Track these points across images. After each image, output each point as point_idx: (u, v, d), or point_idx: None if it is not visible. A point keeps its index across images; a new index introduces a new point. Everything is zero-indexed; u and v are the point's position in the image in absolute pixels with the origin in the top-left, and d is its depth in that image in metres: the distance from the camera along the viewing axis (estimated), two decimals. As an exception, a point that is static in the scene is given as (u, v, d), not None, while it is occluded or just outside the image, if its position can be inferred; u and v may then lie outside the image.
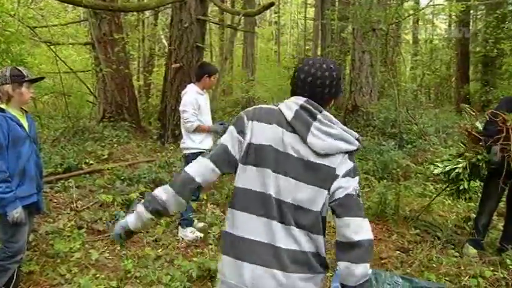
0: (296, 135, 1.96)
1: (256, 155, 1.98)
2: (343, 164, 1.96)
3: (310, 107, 1.97)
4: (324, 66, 2.01)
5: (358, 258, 1.92)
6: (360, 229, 1.93)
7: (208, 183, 2.07)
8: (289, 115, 1.98)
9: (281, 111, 2.02)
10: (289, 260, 1.92)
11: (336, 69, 2.04)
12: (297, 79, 2.05)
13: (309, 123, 1.95)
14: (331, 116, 2.01)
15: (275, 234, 1.94)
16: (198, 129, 5.09)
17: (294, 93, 2.07)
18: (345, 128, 2.01)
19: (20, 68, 3.46)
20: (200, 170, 2.05)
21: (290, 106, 2.00)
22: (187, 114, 5.03)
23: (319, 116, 1.96)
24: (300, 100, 2.00)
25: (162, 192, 2.04)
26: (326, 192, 1.94)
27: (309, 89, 2.02)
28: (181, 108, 5.13)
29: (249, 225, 1.97)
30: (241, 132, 2.03)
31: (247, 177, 1.99)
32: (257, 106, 2.13)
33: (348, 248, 1.93)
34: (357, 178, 2.00)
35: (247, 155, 1.99)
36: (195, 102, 5.07)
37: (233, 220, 2.03)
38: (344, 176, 1.95)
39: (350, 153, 2.00)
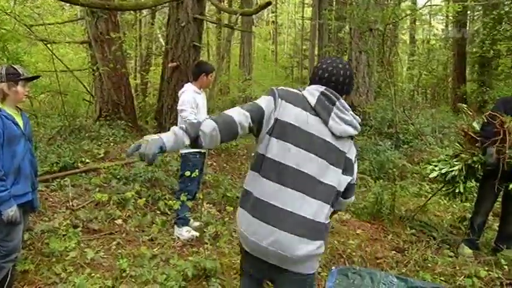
0: (319, 118, 2.28)
1: (281, 131, 2.25)
2: (351, 149, 2.40)
3: (330, 94, 2.31)
4: (340, 65, 2.37)
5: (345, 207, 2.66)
6: (351, 201, 2.60)
7: (235, 136, 2.27)
8: (312, 101, 2.29)
9: (304, 96, 2.33)
10: (292, 222, 2.22)
11: (349, 69, 2.39)
12: (315, 75, 2.41)
13: (330, 109, 2.29)
14: (345, 103, 2.36)
15: (285, 199, 2.23)
16: None
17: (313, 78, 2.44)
18: (353, 114, 2.38)
19: (15, 66, 3.45)
20: (241, 119, 2.22)
21: (313, 93, 2.32)
22: (185, 113, 5.02)
23: (337, 103, 2.31)
24: (321, 88, 2.33)
25: (206, 125, 2.16)
26: (340, 171, 2.33)
27: (325, 84, 2.35)
28: (179, 107, 5.12)
29: (264, 188, 2.26)
30: (274, 106, 2.29)
31: (270, 148, 2.26)
32: (284, 88, 2.42)
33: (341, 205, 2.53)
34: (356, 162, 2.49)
35: (274, 128, 2.26)
36: (193, 101, 5.09)
37: (252, 181, 2.33)
38: (355, 161, 2.44)
39: (353, 137, 2.42)
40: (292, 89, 2.41)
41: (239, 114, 2.21)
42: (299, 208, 2.23)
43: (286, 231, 2.21)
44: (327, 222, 2.32)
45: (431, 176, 5.34)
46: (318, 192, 2.27)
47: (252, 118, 2.22)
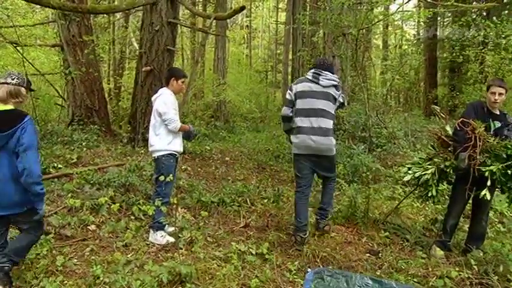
0: (314, 83, 5.05)
1: (299, 94, 5.08)
2: (336, 92, 5.08)
3: (318, 71, 5.09)
4: (324, 59, 5.31)
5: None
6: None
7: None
8: (309, 77, 5.11)
9: (305, 76, 5.17)
10: (318, 131, 4.95)
11: (328, 60, 5.36)
12: (313, 64, 5.28)
13: (318, 76, 5.05)
14: (328, 72, 5.09)
15: (312, 122, 4.98)
16: (180, 129, 5.23)
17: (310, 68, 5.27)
18: (332, 75, 5.11)
19: None
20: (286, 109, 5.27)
21: (308, 73, 5.16)
22: (171, 114, 5.09)
23: (322, 73, 5.06)
24: (313, 69, 5.14)
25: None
26: (331, 103, 5.04)
27: (315, 67, 5.16)
28: (162, 109, 5.11)
29: (302, 121, 5.03)
30: (291, 90, 5.17)
31: (298, 103, 5.07)
32: (296, 80, 5.40)
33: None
34: (342, 94, 5.21)
35: (296, 96, 5.11)
36: (174, 102, 5.21)
37: (297, 120, 5.07)
38: (339, 96, 5.12)
39: (336, 86, 5.08)
40: (300, 78, 5.44)
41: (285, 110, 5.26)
42: (320, 124, 4.97)
43: (317, 135, 4.96)
44: (333, 127, 5.11)
45: (405, 179, 5.42)
46: (326, 115, 5.01)
47: (288, 106, 5.21)
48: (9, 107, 3.60)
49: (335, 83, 5.05)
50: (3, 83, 3.60)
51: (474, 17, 15.72)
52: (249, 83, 20.93)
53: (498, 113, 4.96)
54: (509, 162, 4.61)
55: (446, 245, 5.06)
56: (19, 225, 3.86)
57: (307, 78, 5.11)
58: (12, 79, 3.62)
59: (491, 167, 4.59)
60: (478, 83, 16.40)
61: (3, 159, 3.52)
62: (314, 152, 5.08)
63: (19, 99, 3.64)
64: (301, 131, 5.05)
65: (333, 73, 5.19)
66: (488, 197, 4.63)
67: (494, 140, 4.71)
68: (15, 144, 3.46)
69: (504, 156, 4.62)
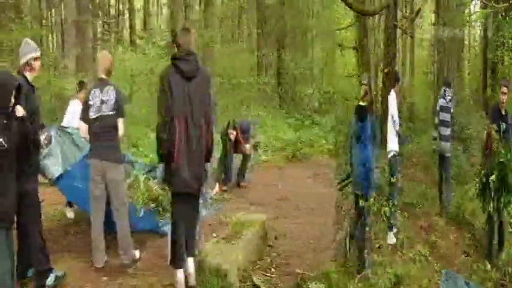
0: (443, 98, 5.16)
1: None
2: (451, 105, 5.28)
3: (445, 87, 5.32)
4: (447, 79, 7.08)
5: None
6: None
7: None
8: (442, 91, 5.40)
9: (440, 91, 5.54)
10: (444, 138, 5.37)
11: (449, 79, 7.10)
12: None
13: (445, 92, 5.17)
14: (448, 88, 5.36)
15: (441, 130, 5.25)
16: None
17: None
18: (451, 91, 5.30)
19: None
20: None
21: (443, 88, 5.35)
22: (396, 116, 4.35)
23: (447, 90, 5.21)
24: (444, 86, 5.42)
25: None
26: (450, 115, 5.36)
27: (445, 84, 5.62)
28: (393, 111, 4.39)
29: (441, 129, 5.31)
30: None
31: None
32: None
33: None
34: None
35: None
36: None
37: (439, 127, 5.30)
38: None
39: (451, 100, 5.27)
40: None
41: None
42: (446, 132, 5.31)
43: (444, 141, 5.38)
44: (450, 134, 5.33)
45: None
46: (449, 124, 5.27)
47: None
48: (364, 103, 3.19)
49: (451, 98, 5.18)
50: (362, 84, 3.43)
51: (499, 17, 12.27)
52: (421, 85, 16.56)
53: (504, 113, 4.29)
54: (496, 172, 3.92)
55: (492, 253, 4.31)
56: None
57: (440, 94, 5.37)
58: (365, 80, 3.50)
59: (493, 176, 3.93)
60: (501, 84, 13.31)
61: (357, 149, 3.19)
62: (441, 152, 5.30)
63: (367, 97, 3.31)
64: (439, 137, 5.25)
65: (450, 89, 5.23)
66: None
67: (498, 143, 4.00)
68: (365, 136, 3.16)
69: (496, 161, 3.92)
